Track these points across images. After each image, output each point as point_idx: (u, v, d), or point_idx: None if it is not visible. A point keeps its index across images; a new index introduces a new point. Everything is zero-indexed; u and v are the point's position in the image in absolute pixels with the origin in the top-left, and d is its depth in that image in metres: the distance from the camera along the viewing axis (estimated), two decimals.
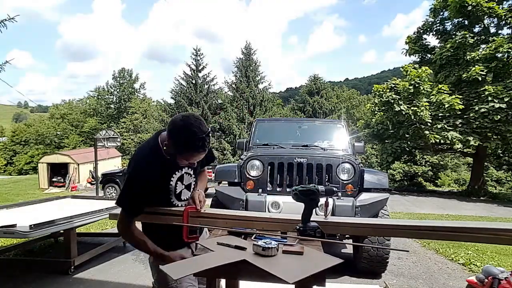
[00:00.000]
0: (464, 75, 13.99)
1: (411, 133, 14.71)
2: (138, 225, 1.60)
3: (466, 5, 14.28)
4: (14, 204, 4.84)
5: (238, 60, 27.15)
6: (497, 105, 12.80)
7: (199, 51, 27.10)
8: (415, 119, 13.95)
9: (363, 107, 31.26)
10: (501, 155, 17.62)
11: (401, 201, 12.47)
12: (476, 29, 15.60)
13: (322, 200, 1.38)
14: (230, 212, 1.70)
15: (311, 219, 1.34)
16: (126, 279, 3.70)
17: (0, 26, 5.55)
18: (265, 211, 3.35)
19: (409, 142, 15.47)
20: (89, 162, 17.30)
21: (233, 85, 26.81)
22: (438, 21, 16.86)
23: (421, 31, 17.35)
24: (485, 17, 14.92)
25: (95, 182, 12.90)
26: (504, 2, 15.00)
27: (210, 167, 8.99)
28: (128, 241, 1.63)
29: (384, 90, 14.40)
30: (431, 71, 14.78)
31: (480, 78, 13.47)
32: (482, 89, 13.41)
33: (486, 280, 2.41)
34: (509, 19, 14.30)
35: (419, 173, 23.76)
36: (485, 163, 18.62)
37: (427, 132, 13.91)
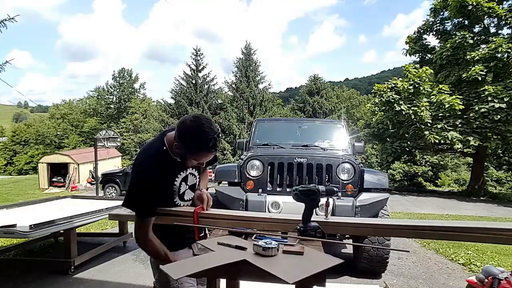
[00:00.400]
0: (464, 75, 14.00)
1: (411, 133, 14.71)
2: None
3: (467, 5, 14.28)
4: (14, 204, 4.84)
5: (238, 60, 27.15)
6: (497, 105, 12.80)
7: (199, 51, 27.12)
8: (415, 119, 13.96)
9: (363, 107, 31.28)
10: (501, 155, 17.63)
11: (401, 201, 12.48)
12: (476, 29, 15.61)
13: (323, 200, 1.38)
14: (230, 212, 1.70)
15: (312, 219, 1.34)
16: (126, 279, 3.70)
17: (0, 26, 5.56)
18: (265, 211, 3.36)
19: (409, 142, 15.48)
20: (89, 162, 17.31)
21: (233, 85, 26.80)
22: (438, 21, 16.87)
23: (421, 31, 17.36)
24: (485, 17, 14.93)
25: (95, 182, 12.90)
26: (504, 2, 15.01)
27: (211, 166, 9.00)
28: (148, 250, 1.52)
29: (385, 90, 14.40)
30: (432, 71, 14.78)
31: (480, 78, 13.47)
32: (482, 89, 13.41)
33: (486, 280, 2.41)
34: (509, 19, 14.30)
35: (419, 173, 23.77)
36: (485, 163, 18.64)
37: (427, 132, 13.91)
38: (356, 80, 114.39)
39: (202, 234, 1.58)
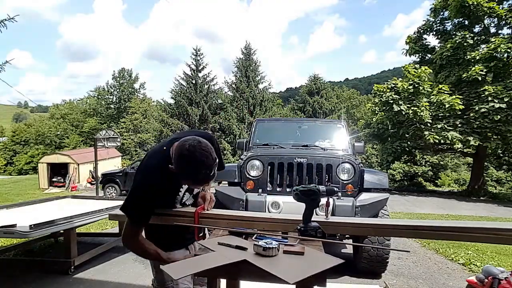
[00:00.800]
0: (464, 75, 14.00)
1: (411, 133, 14.72)
2: None
3: (467, 5, 14.28)
4: (14, 204, 4.84)
5: (238, 60, 27.14)
6: (497, 105, 12.81)
7: (199, 51, 27.11)
8: (415, 119, 13.96)
9: (363, 107, 31.27)
10: (501, 155, 17.62)
11: (401, 201, 12.48)
12: (476, 29, 15.62)
13: (323, 200, 1.38)
14: (231, 212, 1.70)
15: (312, 219, 1.35)
16: (126, 279, 3.70)
17: (0, 26, 5.56)
18: (265, 211, 3.36)
19: (409, 142, 15.48)
20: (89, 162, 17.30)
21: (233, 85, 26.80)
22: (438, 21, 16.88)
23: (421, 31, 17.36)
24: (485, 17, 14.93)
25: (95, 182, 12.90)
26: (504, 2, 15.01)
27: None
28: (135, 251, 1.53)
29: (384, 90, 14.40)
30: (431, 70, 14.78)
31: (480, 78, 13.47)
32: (482, 89, 13.41)
33: (486, 280, 2.41)
34: (509, 19, 14.30)
35: (419, 173, 23.77)
36: (485, 163, 18.63)
37: (427, 132, 13.92)
38: (356, 80, 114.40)
39: (201, 234, 1.58)
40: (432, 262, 4.63)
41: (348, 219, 1.69)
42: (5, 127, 54.38)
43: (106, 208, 4.31)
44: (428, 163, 24.20)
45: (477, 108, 13.37)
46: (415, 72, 13.86)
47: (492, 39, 13.87)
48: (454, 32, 15.56)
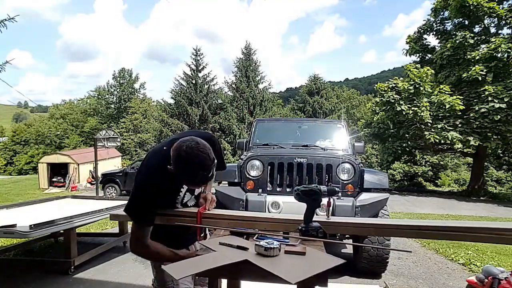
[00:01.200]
0: (464, 75, 14.00)
1: (411, 133, 14.73)
2: None
3: (467, 5, 14.29)
4: (14, 204, 4.83)
5: (238, 60, 27.17)
6: (497, 105, 12.81)
7: (199, 51, 27.14)
8: (415, 119, 13.97)
9: (363, 107, 31.26)
10: (501, 155, 17.63)
11: (401, 201, 12.48)
12: (476, 29, 15.62)
13: (324, 200, 1.38)
14: (232, 212, 1.70)
15: (313, 219, 1.35)
16: (126, 279, 3.70)
17: (0, 26, 5.56)
18: (265, 211, 3.36)
19: (409, 142, 15.50)
20: (89, 162, 17.29)
21: (233, 85, 26.82)
22: (439, 21, 16.89)
23: (422, 31, 17.38)
24: (485, 17, 14.94)
25: (95, 182, 12.90)
26: (504, 2, 15.02)
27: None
28: (148, 255, 1.49)
29: (386, 90, 14.40)
30: (433, 71, 14.80)
31: (480, 78, 13.48)
32: (482, 89, 13.42)
33: (486, 280, 2.41)
34: (509, 19, 14.30)
35: (419, 173, 23.77)
36: (485, 163, 18.65)
37: (427, 132, 13.92)
38: (356, 80, 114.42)
39: (202, 235, 1.58)
40: (432, 262, 4.63)
41: (349, 219, 1.69)
42: (5, 127, 54.36)
43: (106, 208, 4.31)
44: (428, 163, 24.20)
45: (477, 108, 13.37)
46: (417, 72, 13.85)
47: (492, 39, 13.88)
48: (454, 32, 15.57)
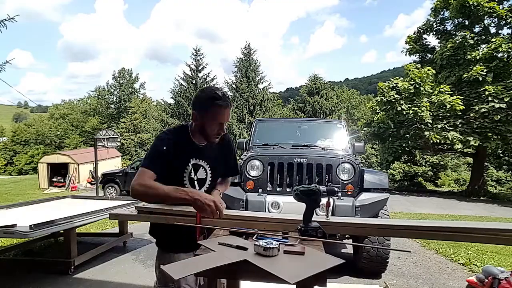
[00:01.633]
0: (464, 75, 14.01)
1: (411, 133, 14.73)
2: (146, 224, 1.60)
3: (467, 5, 14.29)
4: (14, 204, 4.84)
5: (238, 60, 27.16)
6: (497, 105, 12.82)
7: (199, 51, 27.15)
8: (415, 119, 13.97)
9: (363, 107, 31.25)
10: (501, 155, 17.64)
11: (401, 201, 12.48)
12: (477, 29, 15.63)
13: (324, 200, 1.38)
14: (231, 212, 1.70)
15: (312, 219, 1.35)
16: (126, 279, 3.70)
17: (0, 26, 5.57)
18: (265, 211, 3.35)
19: (409, 142, 15.50)
20: (89, 162, 17.31)
21: (233, 85, 26.80)
22: (439, 21, 16.90)
23: (422, 31, 17.39)
24: (486, 17, 14.94)
25: (95, 182, 12.91)
26: (505, 2, 15.04)
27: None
28: (141, 190, 1.42)
29: (386, 89, 14.41)
30: (434, 71, 14.81)
31: (480, 78, 13.48)
32: (482, 89, 13.42)
33: (486, 280, 2.41)
34: (509, 19, 14.31)
35: (419, 173, 23.75)
36: (485, 163, 18.63)
37: (427, 132, 13.92)
38: (356, 80, 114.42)
39: (202, 235, 1.58)
40: (432, 262, 4.63)
41: (348, 219, 1.69)
42: (5, 127, 54.34)
43: (106, 208, 4.30)
44: (428, 163, 24.19)
45: (477, 108, 13.38)
46: (417, 72, 13.85)
47: (493, 39, 13.88)
48: (455, 32, 15.59)
